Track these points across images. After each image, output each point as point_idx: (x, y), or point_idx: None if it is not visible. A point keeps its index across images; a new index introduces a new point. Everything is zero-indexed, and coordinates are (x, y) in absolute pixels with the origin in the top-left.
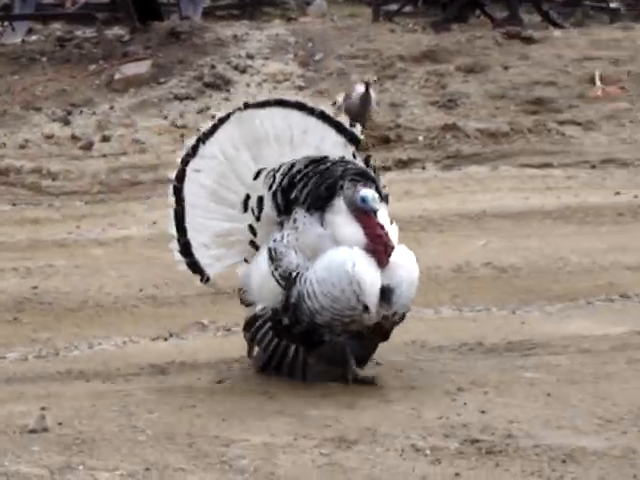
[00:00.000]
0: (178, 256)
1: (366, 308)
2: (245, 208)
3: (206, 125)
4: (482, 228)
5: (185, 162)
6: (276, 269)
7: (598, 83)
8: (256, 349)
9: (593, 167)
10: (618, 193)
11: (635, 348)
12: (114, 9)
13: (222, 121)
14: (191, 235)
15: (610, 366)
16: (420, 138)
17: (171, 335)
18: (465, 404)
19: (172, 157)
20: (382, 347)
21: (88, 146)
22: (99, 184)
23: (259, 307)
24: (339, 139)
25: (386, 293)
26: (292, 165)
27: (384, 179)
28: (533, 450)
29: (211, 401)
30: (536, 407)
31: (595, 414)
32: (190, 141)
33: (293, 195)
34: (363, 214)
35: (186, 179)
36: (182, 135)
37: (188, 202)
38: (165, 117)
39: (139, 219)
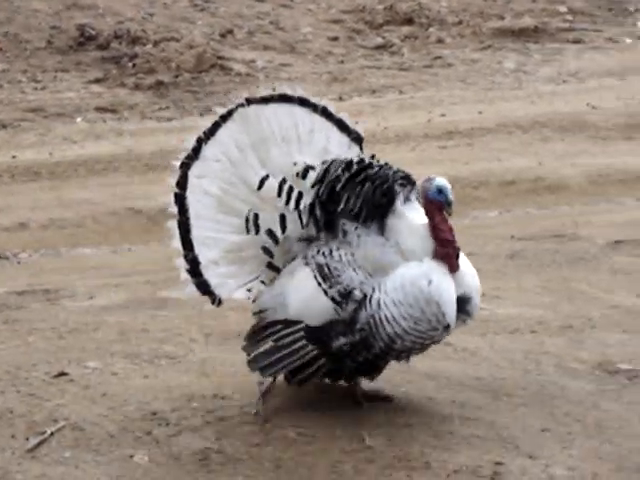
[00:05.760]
0: (186, 276)
1: (449, 325)
2: (256, 229)
3: (206, 123)
4: None
5: (186, 166)
6: (331, 287)
7: None
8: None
9: None
10: None
11: (14, 308)
12: None
13: (224, 119)
14: (199, 250)
15: None
16: None
17: None
18: None
19: None
20: None
21: None
22: None
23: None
24: (343, 138)
25: (462, 303)
26: (324, 173)
27: None
28: None
29: None
30: None
31: None
32: (190, 142)
33: (340, 207)
34: (435, 209)
35: (189, 186)
36: None
37: (193, 212)
38: None
39: None
